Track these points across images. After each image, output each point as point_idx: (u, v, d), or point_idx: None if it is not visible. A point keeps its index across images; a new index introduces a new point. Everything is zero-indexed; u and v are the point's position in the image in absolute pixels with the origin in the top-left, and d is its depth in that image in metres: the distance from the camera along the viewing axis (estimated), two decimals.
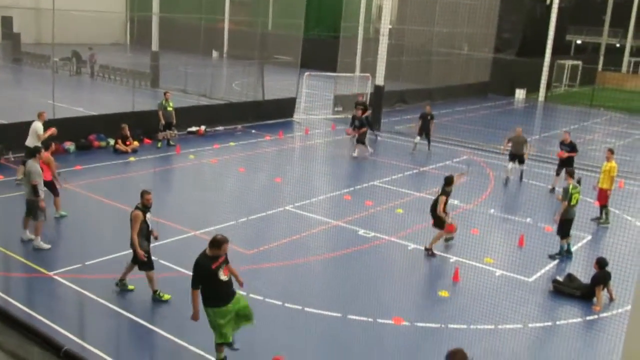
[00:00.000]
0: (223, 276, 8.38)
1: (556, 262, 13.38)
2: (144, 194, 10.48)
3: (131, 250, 10.49)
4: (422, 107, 23.45)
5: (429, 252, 13.21)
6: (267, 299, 10.72)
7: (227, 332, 8.46)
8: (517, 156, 19.54)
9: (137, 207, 10.43)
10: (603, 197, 15.91)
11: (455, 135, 26.06)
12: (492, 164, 21.94)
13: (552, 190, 18.75)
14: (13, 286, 10.85)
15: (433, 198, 13.51)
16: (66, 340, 8.68)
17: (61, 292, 10.70)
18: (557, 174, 18.54)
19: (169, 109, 21.13)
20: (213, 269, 8.26)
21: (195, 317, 8.54)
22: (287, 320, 10.20)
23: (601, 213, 16.09)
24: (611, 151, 15.99)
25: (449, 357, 5.45)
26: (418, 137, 23.21)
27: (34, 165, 12.38)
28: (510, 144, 19.59)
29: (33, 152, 12.86)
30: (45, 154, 13.53)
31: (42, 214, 12.31)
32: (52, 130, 15.77)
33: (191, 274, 8.37)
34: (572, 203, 13.34)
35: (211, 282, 8.30)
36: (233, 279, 8.66)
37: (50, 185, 13.51)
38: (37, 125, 15.75)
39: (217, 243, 8.33)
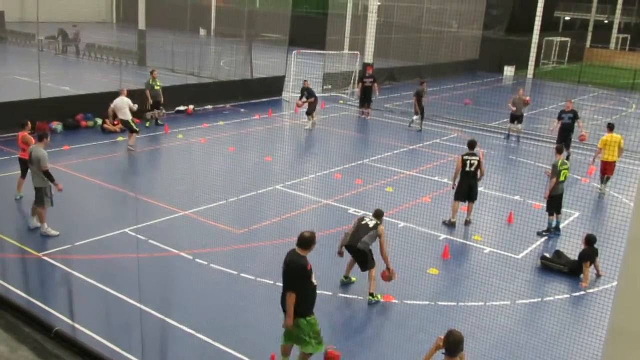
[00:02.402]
0: (314, 279, 7.64)
1: (544, 239, 13.49)
2: (381, 213, 10.50)
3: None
4: (412, 85, 23.50)
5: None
6: (258, 278, 10.74)
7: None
8: (516, 117, 22.06)
9: (378, 224, 10.23)
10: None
11: (444, 113, 26.06)
12: (481, 141, 21.96)
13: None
14: (2, 267, 10.81)
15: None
16: (57, 321, 8.68)
17: (51, 272, 10.68)
18: (567, 147, 18.27)
19: (157, 87, 20.99)
20: (309, 270, 7.47)
21: (289, 323, 7.53)
22: (279, 299, 10.22)
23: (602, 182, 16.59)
24: (608, 126, 16.65)
25: (445, 336, 5.82)
26: (416, 116, 23.30)
27: (40, 150, 11.77)
28: (513, 106, 21.91)
29: (41, 136, 12.09)
30: (22, 133, 13.25)
31: (49, 200, 11.88)
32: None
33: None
34: (560, 179, 13.43)
35: (305, 285, 7.47)
36: None
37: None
38: (125, 100, 18.09)
39: (308, 241, 7.48)
